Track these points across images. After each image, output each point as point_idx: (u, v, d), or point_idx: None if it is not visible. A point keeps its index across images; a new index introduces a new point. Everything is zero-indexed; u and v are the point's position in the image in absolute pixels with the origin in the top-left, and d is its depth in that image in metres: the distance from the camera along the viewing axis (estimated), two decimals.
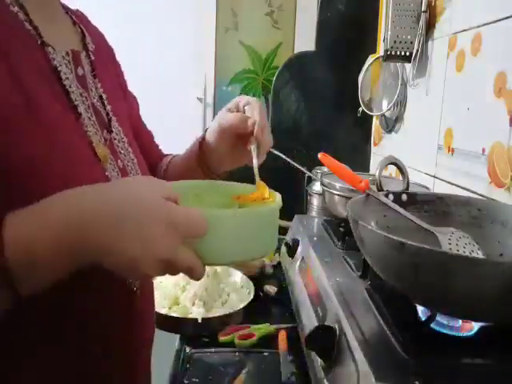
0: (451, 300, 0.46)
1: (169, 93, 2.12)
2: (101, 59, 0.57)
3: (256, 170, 0.55)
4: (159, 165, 0.70)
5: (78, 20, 0.58)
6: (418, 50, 1.01)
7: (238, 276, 0.90)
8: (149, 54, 2.07)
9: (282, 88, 1.43)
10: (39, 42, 0.46)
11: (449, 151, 0.90)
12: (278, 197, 0.52)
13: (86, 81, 0.52)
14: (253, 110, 0.57)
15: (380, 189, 0.66)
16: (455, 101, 0.90)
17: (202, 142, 0.63)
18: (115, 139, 0.54)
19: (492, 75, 0.75)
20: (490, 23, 0.77)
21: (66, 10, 0.57)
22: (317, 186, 1.18)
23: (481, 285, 0.43)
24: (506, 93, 0.72)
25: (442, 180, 0.93)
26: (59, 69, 0.48)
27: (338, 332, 0.53)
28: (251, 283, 0.88)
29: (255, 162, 0.55)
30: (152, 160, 0.68)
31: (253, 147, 0.55)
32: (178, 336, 0.78)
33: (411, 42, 1.03)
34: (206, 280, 0.81)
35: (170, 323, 0.75)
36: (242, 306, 0.80)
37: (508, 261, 0.58)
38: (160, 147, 0.74)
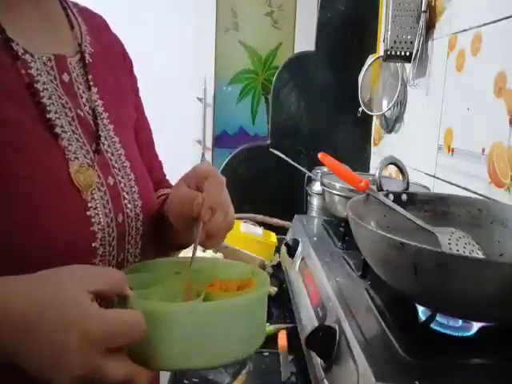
0: (451, 300, 0.46)
1: (169, 93, 2.12)
2: (103, 63, 0.54)
3: (193, 256, 0.46)
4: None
5: (88, 21, 0.55)
6: (418, 50, 1.01)
7: None
8: (149, 54, 2.07)
9: (282, 88, 1.43)
10: (12, 53, 0.43)
11: (449, 151, 0.90)
12: (262, 281, 0.43)
13: (73, 87, 0.48)
14: (208, 187, 0.45)
15: (380, 189, 0.66)
16: (455, 101, 0.90)
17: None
18: (107, 152, 0.49)
19: (492, 75, 0.75)
20: (490, 23, 0.77)
21: (74, 8, 0.54)
22: (317, 186, 1.18)
23: (481, 285, 0.43)
24: (506, 93, 0.72)
25: (442, 180, 0.93)
26: (37, 78, 0.44)
27: (338, 332, 0.53)
28: None
29: (195, 246, 0.45)
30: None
31: (195, 229, 0.45)
32: None
33: (411, 42, 1.03)
34: None
35: None
36: None
37: (508, 261, 0.58)
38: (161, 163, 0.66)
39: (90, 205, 0.45)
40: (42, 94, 0.44)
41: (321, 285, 0.66)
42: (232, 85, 2.20)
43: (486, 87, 0.77)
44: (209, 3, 2.14)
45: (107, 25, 0.60)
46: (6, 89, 0.42)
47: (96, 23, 0.57)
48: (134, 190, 0.50)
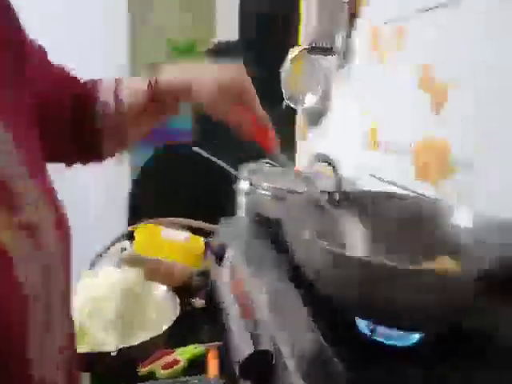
0: (384, 312, 0.43)
1: None
2: None
3: None
4: (93, 97, 0.57)
5: None
6: (341, 43, 0.99)
7: (159, 291, 0.80)
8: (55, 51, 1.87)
9: None
10: None
11: (375, 146, 0.89)
12: None
13: None
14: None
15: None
16: (380, 94, 0.89)
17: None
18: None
19: (416, 68, 0.75)
20: (414, 15, 0.76)
21: None
22: (245, 185, 1.12)
23: (405, 294, 0.40)
24: (430, 86, 0.71)
25: (370, 175, 0.92)
26: None
27: (274, 354, 0.47)
28: (176, 297, 0.80)
29: None
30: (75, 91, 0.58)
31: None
32: (87, 375, 0.65)
33: (334, 35, 1.01)
34: (118, 302, 0.69)
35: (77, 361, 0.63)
36: (165, 327, 0.71)
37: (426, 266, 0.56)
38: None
39: (15, 260, 0.32)
40: None
41: (252, 294, 0.61)
42: None
43: (410, 80, 0.76)
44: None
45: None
46: None
47: None
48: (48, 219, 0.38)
